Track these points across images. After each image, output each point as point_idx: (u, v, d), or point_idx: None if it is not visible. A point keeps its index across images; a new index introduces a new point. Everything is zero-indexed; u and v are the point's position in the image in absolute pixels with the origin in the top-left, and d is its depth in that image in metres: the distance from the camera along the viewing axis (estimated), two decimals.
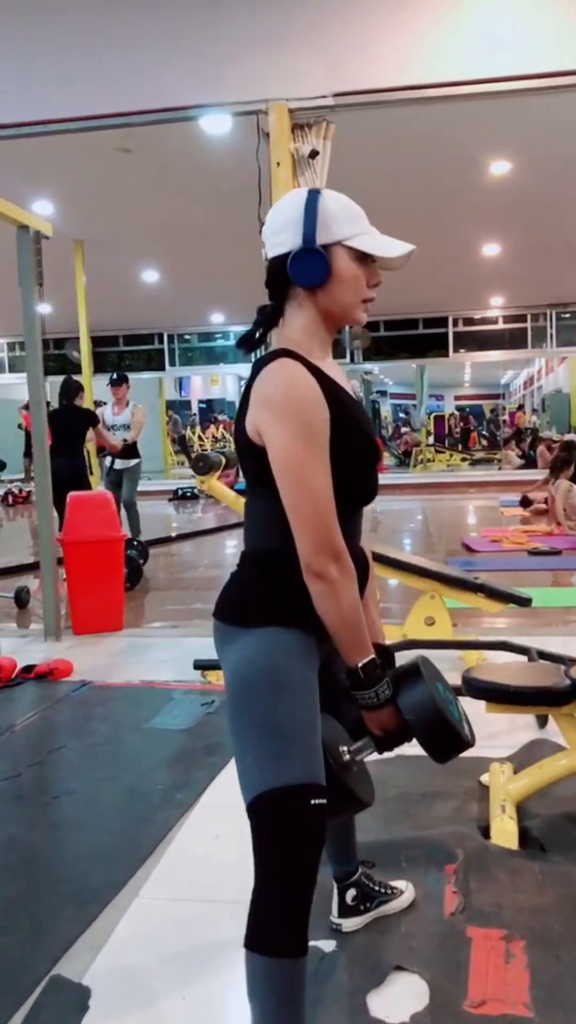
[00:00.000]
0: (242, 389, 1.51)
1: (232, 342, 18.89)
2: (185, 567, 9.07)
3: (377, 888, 2.18)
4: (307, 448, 1.47)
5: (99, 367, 17.15)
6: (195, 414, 27.08)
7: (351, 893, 2.13)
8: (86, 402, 9.20)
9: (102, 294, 13.07)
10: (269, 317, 1.63)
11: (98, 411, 8.05)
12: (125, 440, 7.85)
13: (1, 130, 5.43)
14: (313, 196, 1.57)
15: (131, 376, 8.46)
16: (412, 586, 4.53)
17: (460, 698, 1.84)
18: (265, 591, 1.59)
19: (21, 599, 6.45)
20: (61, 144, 6.67)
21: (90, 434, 7.70)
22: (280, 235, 1.57)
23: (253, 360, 1.63)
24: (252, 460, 1.54)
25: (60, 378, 7.77)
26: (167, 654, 4.83)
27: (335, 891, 2.13)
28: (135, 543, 7.40)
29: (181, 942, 2.14)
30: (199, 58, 5.17)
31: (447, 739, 1.61)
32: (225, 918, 2.17)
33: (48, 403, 9.23)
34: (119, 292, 13.58)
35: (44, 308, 14.86)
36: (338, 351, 16.18)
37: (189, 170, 7.73)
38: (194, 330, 17.91)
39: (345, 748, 1.64)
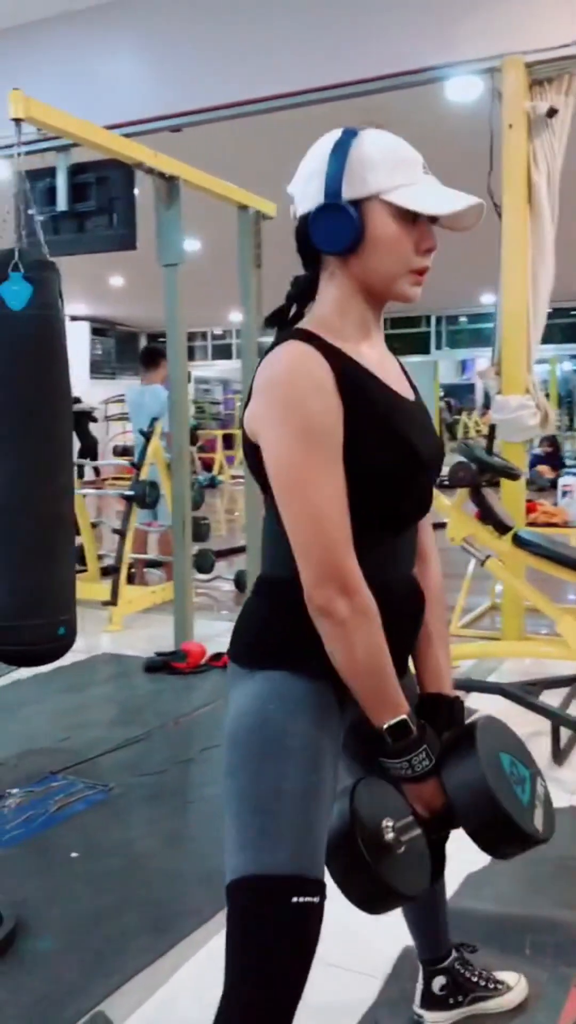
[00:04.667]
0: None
1: None
2: None
3: (475, 979, 1.80)
4: (305, 451, 1.16)
5: None
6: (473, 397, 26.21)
7: (439, 981, 1.77)
8: None
9: None
10: (302, 289, 1.31)
11: None
12: None
13: (247, 106, 5.41)
14: (346, 138, 1.23)
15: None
16: None
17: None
18: (272, 627, 1.30)
19: (240, 582, 6.48)
20: (310, 122, 6.53)
21: None
22: (306, 186, 1.25)
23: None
24: (253, 459, 1.25)
25: None
26: None
27: (420, 973, 1.79)
28: None
29: None
30: (427, 17, 4.80)
31: (502, 831, 1.24)
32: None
33: None
34: None
35: None
36: None
37: (442, 142, 7.28)
38: (463, 311, 17.32)
39: (390, 823, 1.25)
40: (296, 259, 1.31)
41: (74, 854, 2.51)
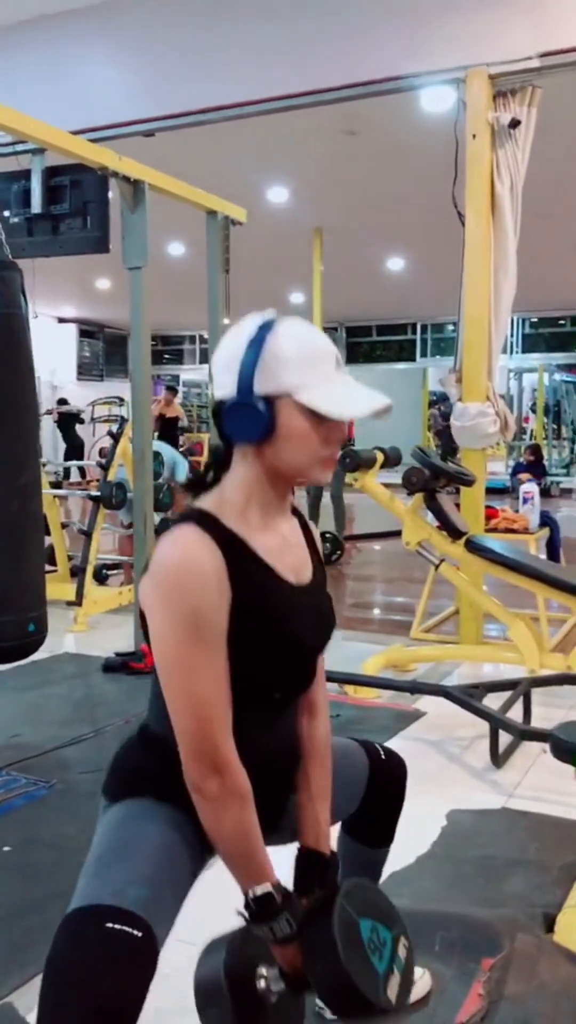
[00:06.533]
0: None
1: None
2: (381, 564, 8.82)
3: None
4: (188, 638, 1.20)
5: (351, 358, 17.18)
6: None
7: None
8: None
9: (350, 283, 12.97)
10: (219, 460, 1.35)
11: None
12: None
13: (221, 111, 5.46)
14: (261, 333, 1.25)
15: (384, 367, 8.20)
16: None
17: None
18: (146, 771, 1.38)
19: None
20: (288, 129, 6.59)
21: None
22: (222, 375, 1.28)
23: None
24: (145, 628, 1.28)
25: None
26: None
27: None
28: (326, 535, 7.24)
29: (161, 999, 1.93)
30: (398, 26, 4.86)
31: (349, 1001, 1.25)
32: None
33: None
34: (366, 281, 13.42)
35: (297, 297, 14.99)
36: None
37: (417, 151, 7.35)
38: (449, 319, 17.36)
39: (264, 971, 1.29)
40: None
41: (7, 848, 2.55)
